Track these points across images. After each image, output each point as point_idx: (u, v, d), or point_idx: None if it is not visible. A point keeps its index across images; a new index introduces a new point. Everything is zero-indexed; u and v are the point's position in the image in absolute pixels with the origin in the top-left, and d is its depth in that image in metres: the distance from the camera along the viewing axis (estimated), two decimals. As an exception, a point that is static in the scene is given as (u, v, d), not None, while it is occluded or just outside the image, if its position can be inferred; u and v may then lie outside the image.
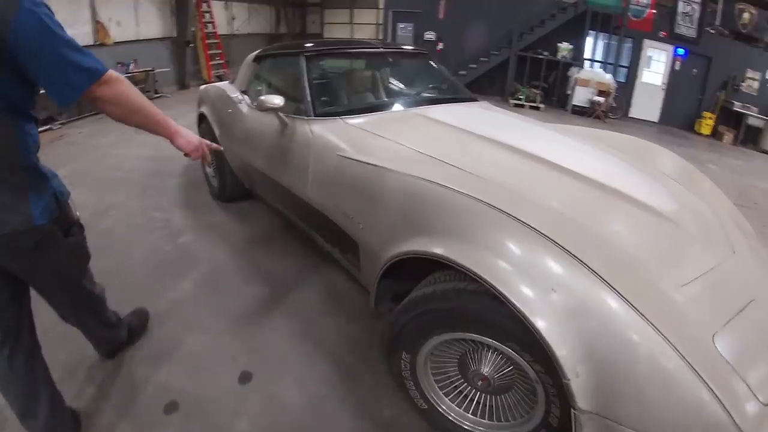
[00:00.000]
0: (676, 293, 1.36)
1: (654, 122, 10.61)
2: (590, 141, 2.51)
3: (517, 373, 1.53)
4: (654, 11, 10.25)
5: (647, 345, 1.14)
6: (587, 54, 10.86)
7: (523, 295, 1.26)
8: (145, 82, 8.52)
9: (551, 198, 1.66)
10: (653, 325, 1.16)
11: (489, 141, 2.15)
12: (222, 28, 11.35)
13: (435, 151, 2.00)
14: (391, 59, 3.46)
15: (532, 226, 1.39)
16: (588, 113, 9.86)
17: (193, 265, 2.87)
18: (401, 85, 3.47)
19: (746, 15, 10.84)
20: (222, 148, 2.10)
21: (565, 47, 10.58)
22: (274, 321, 2.42)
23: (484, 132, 2.24)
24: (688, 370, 1.10)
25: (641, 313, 1.18)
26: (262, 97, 2.54)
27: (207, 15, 10.29)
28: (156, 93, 8.86)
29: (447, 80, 3.47)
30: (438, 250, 1.48)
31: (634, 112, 10.76)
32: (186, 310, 2.48)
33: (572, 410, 1.21)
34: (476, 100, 3.14)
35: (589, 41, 10.75)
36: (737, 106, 9.59)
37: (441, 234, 1.54)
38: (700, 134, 9.94)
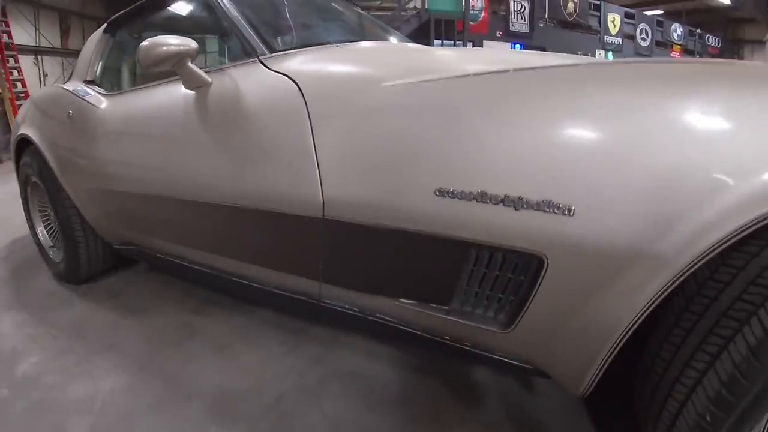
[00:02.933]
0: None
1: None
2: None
3: None
4: (488, 13, 10.92)
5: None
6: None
7: None
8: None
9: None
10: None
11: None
12: (33, 87, 9.25)
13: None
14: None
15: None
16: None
17: (60, 423, 1.27)
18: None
19: (570, 5, 12.29)
20: None
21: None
22: None
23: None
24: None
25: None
26: (147, 42, 1.21)
27: (15, 72, 8.64)
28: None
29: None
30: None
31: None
32: None
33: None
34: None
35: (434, 48, 10.95)
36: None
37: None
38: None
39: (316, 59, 1.25)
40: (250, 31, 1.36)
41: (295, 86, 1.13)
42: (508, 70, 0.92)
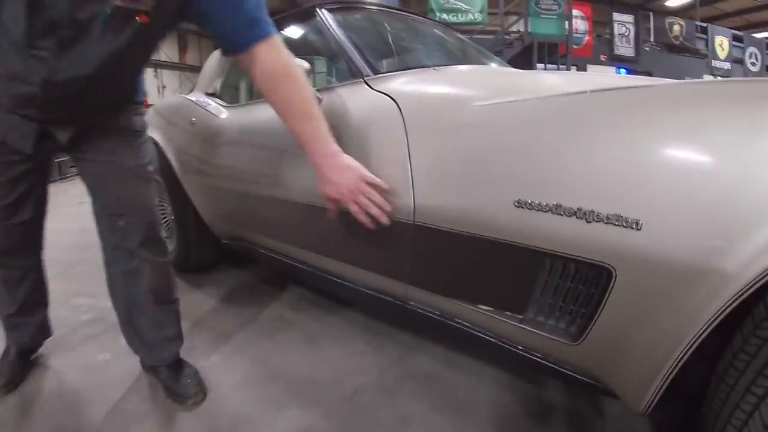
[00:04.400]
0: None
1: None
2: None
3: None
4: (592, 37, 10.58)
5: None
6: (536, 85, 10.86)
7: None
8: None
9: None
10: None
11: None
12: (152, 98, 10.22)
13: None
14: (419, 22, 2.36)
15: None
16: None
17: (153, 388, 1.47)
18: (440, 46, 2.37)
19: (676, 27, 11.60)
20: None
21: (513, 82, 10.44)
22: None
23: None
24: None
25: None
26: None
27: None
28: (61, 176, 6.61)
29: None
30: None
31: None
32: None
33: None
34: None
35: (536, 73, 10.73)
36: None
37: None
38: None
39: (414, 81, 1.37)
40: (357, 54, 1.50)
41: (395, 104, 1.24)
42: (585, 92, 0.98)
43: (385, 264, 1.36)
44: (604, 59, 10.95)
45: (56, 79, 1.05)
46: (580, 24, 10.79)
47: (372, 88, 1.36)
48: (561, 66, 10.41)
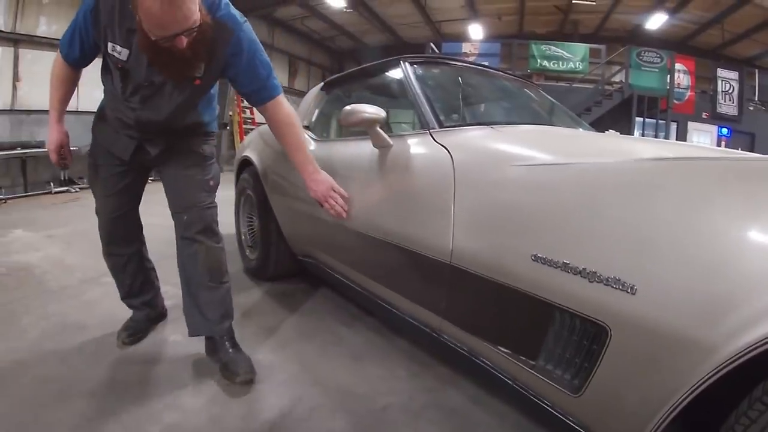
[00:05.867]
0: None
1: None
2: None
3: None
4: (695, 92, 9.97)
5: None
6: (634, 140, 10.36)
7: None
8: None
9: None
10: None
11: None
12: (259, 116, 11.16)
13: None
14: (500, 79, 2.51)
15: None
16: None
17: (215, 370, 1.71)
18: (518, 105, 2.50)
19: None
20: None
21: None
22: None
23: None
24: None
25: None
26: (350, 107, 1.59)
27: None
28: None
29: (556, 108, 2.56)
30: None
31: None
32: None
33: None
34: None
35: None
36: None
37: None
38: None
39: (471, 137, 1.52)
40: (427, 108, 1.69)
41: (450, 157, 1.41)
42: (608, 161, 1.10)
43: (424, 296, 1.51)
44: (705, 117, 10.30)
45: (142, 120, 1.56)
46: (682, 78, 10.29)
47: (434, 140, 1.54)
48: (660, 121, 9.97)
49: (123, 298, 1.93)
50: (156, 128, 1.61)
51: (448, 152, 1.43)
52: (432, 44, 11.47)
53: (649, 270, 0.86)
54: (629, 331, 0.89)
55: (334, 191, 1.72)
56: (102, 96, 1.66)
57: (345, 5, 11.13)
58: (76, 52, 1.56)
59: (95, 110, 1.73)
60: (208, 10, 1.40)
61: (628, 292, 0.88)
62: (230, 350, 1.72)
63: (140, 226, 1.89)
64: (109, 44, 1.45)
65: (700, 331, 0.77)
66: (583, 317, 0.98)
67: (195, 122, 1.70)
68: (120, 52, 1.44)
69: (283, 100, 1.69)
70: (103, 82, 1.60)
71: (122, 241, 1.82)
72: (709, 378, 0.73)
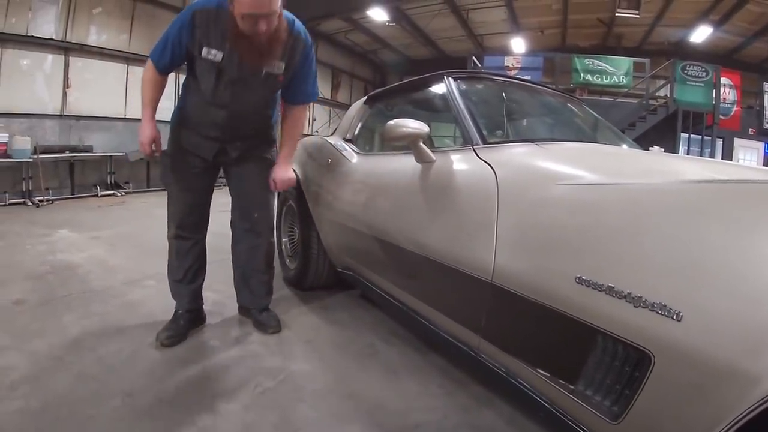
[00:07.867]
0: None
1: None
2: None
3: None
4: (741, 108, 9.55)
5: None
6: (679, 156, 10.01)
7: None
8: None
9: None
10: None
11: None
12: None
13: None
14: (543, 94, 2.48)
15: None
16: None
17: (252, 377, 1.74)
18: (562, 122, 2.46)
19: None
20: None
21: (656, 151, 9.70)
22: None
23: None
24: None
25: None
26: (393, 122, 1.60)
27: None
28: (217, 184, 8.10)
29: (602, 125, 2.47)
30: None
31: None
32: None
33: None
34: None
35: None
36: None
37: None
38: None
39: (515, 154, 1.51)
40: (471, 123, 1.69)
41: (494, 174, 1.40)
42: (650, 183, 1.07)
43: (464, 314, 1.49)
44: (752, 133, 9.84)
45: (232, 112, 1.90)
46: (728, 93, 9.88)
47: (478, 156, 1.53)
48: (706, 137, 9.59)
49: (178, 281, 2.09)
50: (241, 124, 1.96)
51: (492, 169, 1.42)
52: (474, 58, 11.43)
53: (696, 296, 0.83)
54: (673, 358, 0.86)
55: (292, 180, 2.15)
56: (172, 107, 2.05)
57: (388, 19, 11.25)
58: (167, 60, 1.84)
59: (139, 118, 1.96)
60: (288, 22, 1.81)
61: (673, 318, 0.85)
62: (263, 311, 2.20)
63: (208, 218, 2.14)
64: (204, 49, 1.77)
65: (747, 362, 0.74)
66: (626, 342, 0.95)
67: (266, 115, 2.05)
68: (215, 54, 1.78)
69: (307, 106, 2.16)
70: (187, 89, 1.96)
71: (193, 226, 2.08)
72: (754, 410, 0.70)
